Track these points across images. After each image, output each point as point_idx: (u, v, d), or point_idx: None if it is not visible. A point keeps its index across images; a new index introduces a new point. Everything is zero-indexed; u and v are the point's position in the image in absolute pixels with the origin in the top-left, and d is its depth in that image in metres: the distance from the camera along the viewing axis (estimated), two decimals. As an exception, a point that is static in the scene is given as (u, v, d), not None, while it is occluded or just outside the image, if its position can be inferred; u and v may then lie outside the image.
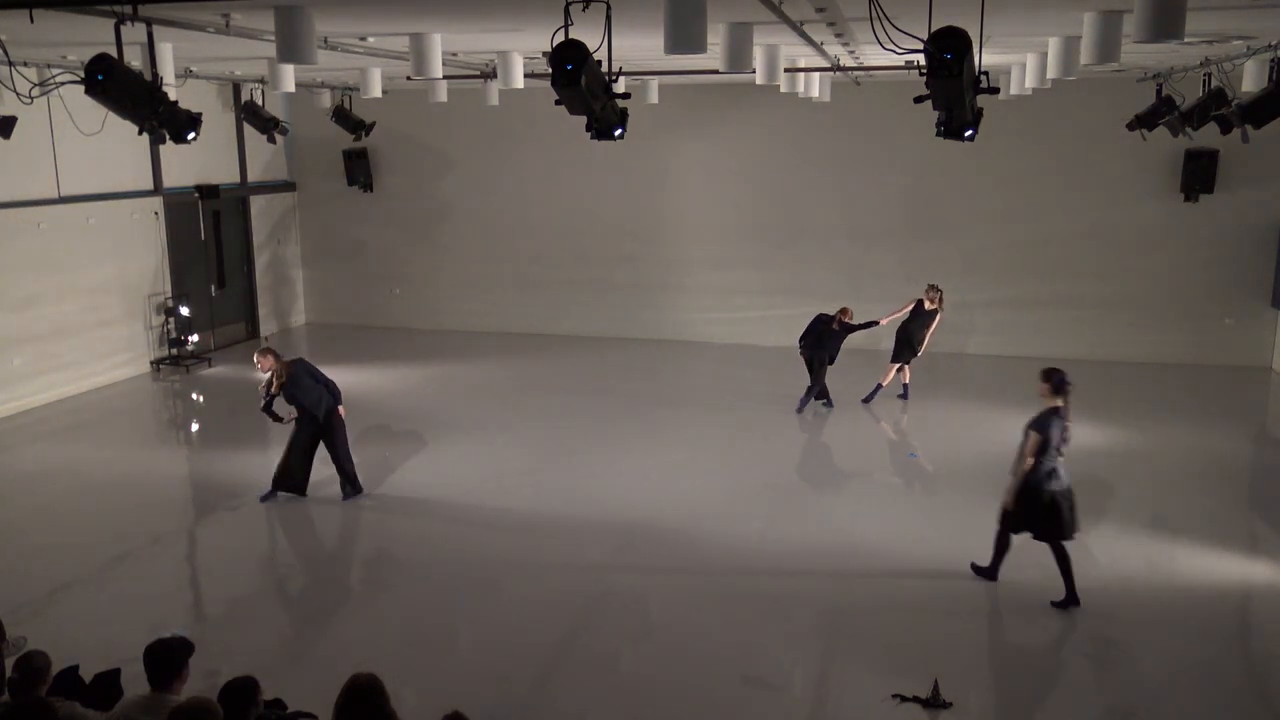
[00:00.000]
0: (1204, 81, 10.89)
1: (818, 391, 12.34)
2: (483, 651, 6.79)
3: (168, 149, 13.74)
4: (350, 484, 9.36)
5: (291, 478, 9.28)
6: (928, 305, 12.37)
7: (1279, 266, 13.89)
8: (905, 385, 12.77)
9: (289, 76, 10.26)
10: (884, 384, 12.69)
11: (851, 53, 10.11)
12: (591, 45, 5.85)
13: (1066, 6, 7.00)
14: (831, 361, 12.18)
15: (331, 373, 9.46)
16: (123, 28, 6.37)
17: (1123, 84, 13.38)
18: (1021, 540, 8.41)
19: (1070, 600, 7.22)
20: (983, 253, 14.80)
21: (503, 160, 16.64)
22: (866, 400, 12.62)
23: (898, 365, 12.61)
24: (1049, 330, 14.72)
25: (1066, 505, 7.18)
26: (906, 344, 12.45)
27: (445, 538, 8.75)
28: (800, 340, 12.34)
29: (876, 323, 12.43)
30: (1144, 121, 12.31)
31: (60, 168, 12.82)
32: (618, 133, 6.89)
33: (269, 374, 8.99)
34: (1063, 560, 7.25)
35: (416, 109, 15.87)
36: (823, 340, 12.15)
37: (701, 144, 15.84)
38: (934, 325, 12.44)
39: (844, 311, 12.22)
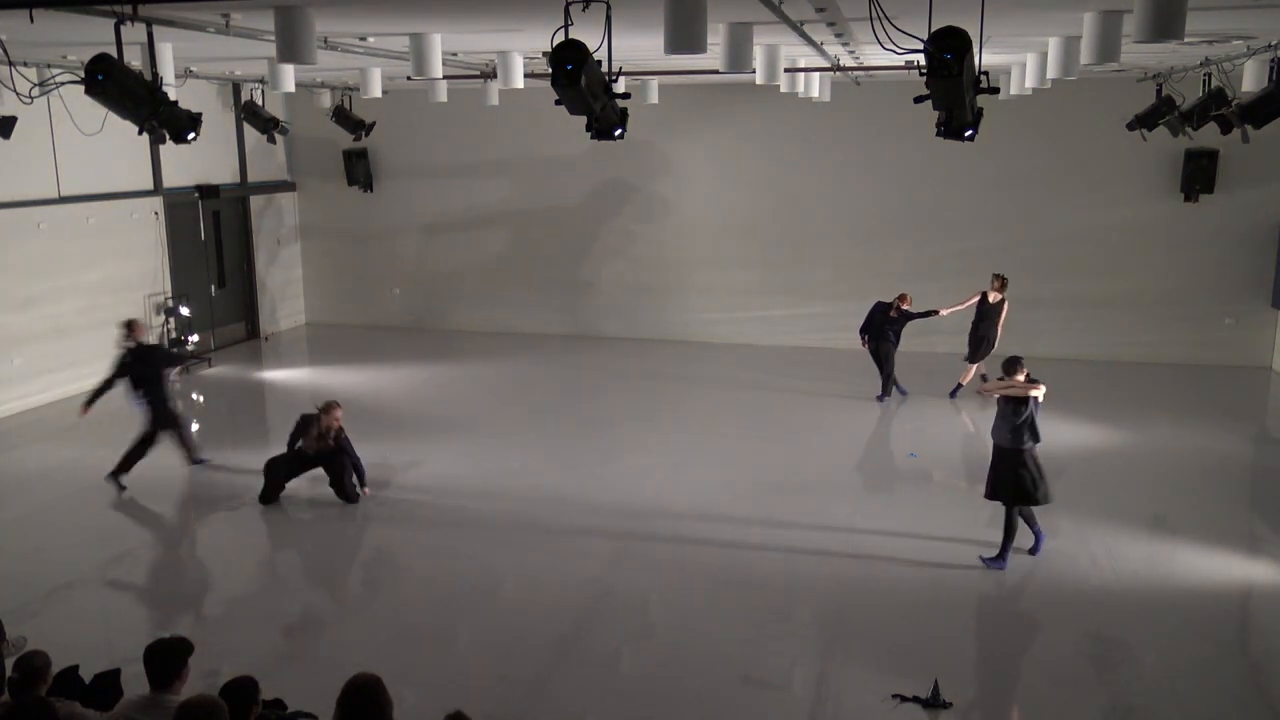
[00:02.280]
0: (1204, 81, 10.89)
1: (886, 378, 12.59)
2: (483, 651, 6.79)
3: (168, 149, 13.73)
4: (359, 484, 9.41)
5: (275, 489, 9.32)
6: (992, 298, 12.44)
7: (1279, 266, 13.89)
8: (960, 384, 12.82)
9: (289, 76, 10.26)
10: (964, 383, 12.80)
11: (851, 53, 10.11)
12: (591, 45, 5.85)
13: (1066, 6, 7.00)
14: (895, 344, 12.46)
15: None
16: (123, 28, 6.37)
17: (1123, 84, 13.39)
18: (1019, 542, 8.42)
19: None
20: (982, 253, 14.78)
21: (503, 160, 16.64)
22: (952, 395, 12.83)
23: (976, 365, 12.69)
24: (1049, 330, 14.71)
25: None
26: (984, 342, 12.54)
27: (445, 538, 8.75)
28: (861, 331, 12.57)
29: (936, 312, 12.46)
30: (1144, 121, 12.31)
31: (60, 168, 12.81)
32: (618, 133, 6.90)
33: (336, 425, 9.10)
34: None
35: (416, 109, 15.87)
36: (883, 329, 12.35)
37: (701, 144, 15.84)
38: (1003, 316, 12.52)
39: (902, 298, 12.38)
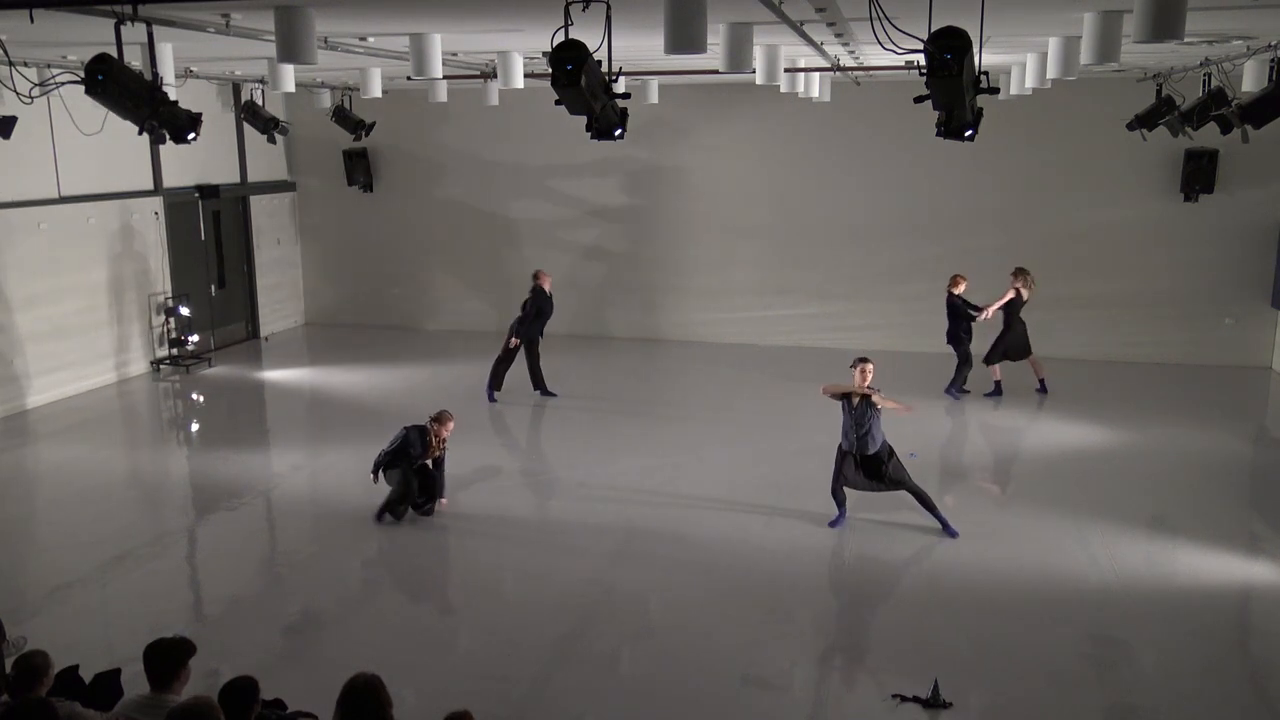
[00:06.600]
0: (1204, 81, 10.89)
1: (957, 369, 12.77)
2: (483, 651, 6.79)
3: (168, 149, 13.72)
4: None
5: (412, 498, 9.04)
6: (1025, 295, 12.52)
7: (1279, 266, 13.89)
8: (998, 382, 12.84)
9: (289, 76, 10.26)
10: (1043, 377, 12.93)
11: (851, 53, 10.11)
12: (591, 45, 5.85)
13: (1066, 6, 7.01)
14: (968, 336, 12.56)
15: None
16: (123, 28, 6.37)
17: (1123, 84, 13.39)
18: (1019, 542, 8.42)
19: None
20: (982, 253, 14.77)
21: (503, 160, 16.64)
22: (1041, 391, 12.95)
23: (1030, 358, 12.80)
24: (1048, 330, 14.65)
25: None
26: (1024, 339, 12.67)
27: (445, 537, 8.75)
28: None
29: (977, 317, 12.54)
30: (1144, 121, 12.32)
31: (60, 168, 12.81)
32: (618, 133, 6.90)
33: (447, 434, 8.93)
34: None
35: (416, 109, 15.89)
36: (956, 320, 12.50)
37: (701, 144, 15.83)
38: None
39: (954, 281, 12.48)
